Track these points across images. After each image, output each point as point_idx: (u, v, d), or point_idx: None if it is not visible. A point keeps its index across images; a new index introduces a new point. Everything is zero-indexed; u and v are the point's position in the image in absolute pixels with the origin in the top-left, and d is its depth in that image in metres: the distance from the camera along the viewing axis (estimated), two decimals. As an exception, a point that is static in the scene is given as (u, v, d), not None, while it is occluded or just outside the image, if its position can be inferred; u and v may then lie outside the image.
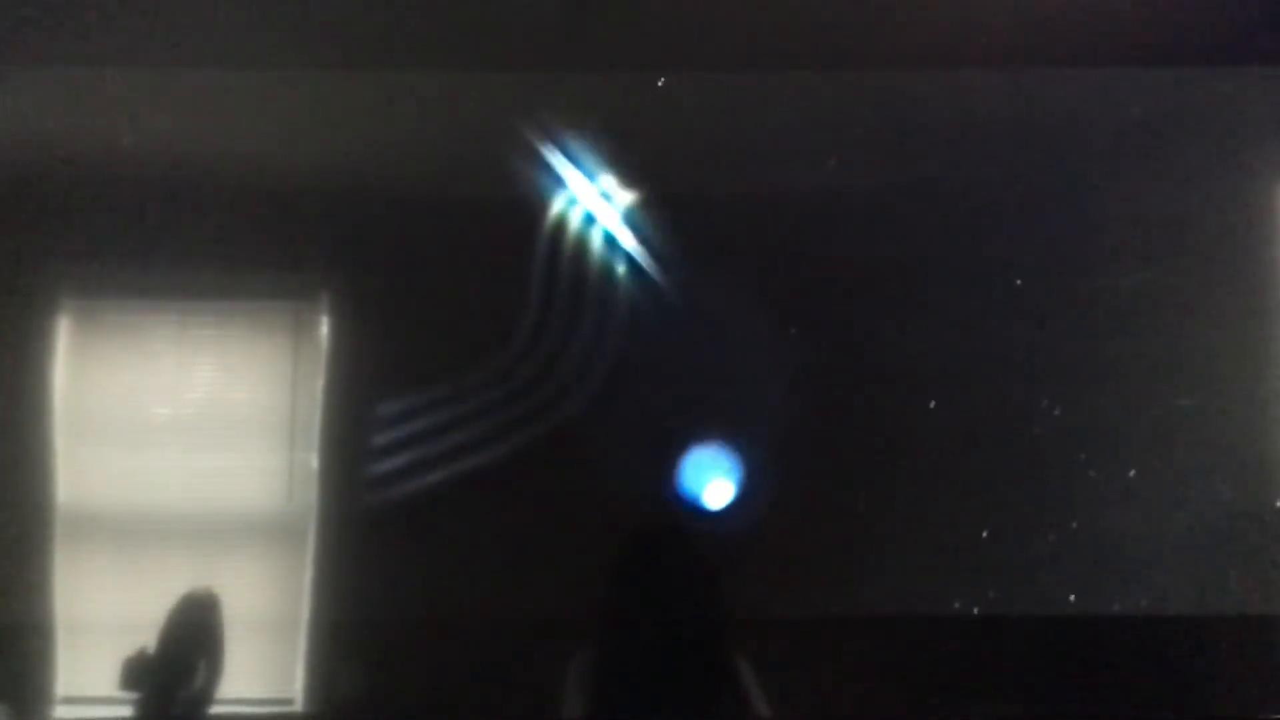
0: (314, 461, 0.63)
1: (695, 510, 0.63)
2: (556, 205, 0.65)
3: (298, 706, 0.61)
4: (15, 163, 0.65)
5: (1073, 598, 0.62)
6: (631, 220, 0.65)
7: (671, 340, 0.65)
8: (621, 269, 0.65)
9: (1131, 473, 0.63)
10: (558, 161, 0.66)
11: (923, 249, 0.66)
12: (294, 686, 0.61)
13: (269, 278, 0.65)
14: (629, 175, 0.66)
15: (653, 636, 0.62)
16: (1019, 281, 0.65)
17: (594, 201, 0.65)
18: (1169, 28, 0.68)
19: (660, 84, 0.66)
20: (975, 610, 0.62)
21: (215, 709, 0.61)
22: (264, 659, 0.62)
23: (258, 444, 0.63)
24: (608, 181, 0.66)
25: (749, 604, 0.63)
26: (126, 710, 0.61)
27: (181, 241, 0.64)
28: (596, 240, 0.65)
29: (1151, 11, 0.68)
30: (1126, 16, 0.68)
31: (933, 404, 0.64)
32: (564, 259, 0.65)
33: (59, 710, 0.61)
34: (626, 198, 0.65)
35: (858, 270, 0.65)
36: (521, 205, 0.65)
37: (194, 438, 0.63)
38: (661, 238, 0.65)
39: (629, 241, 0.65)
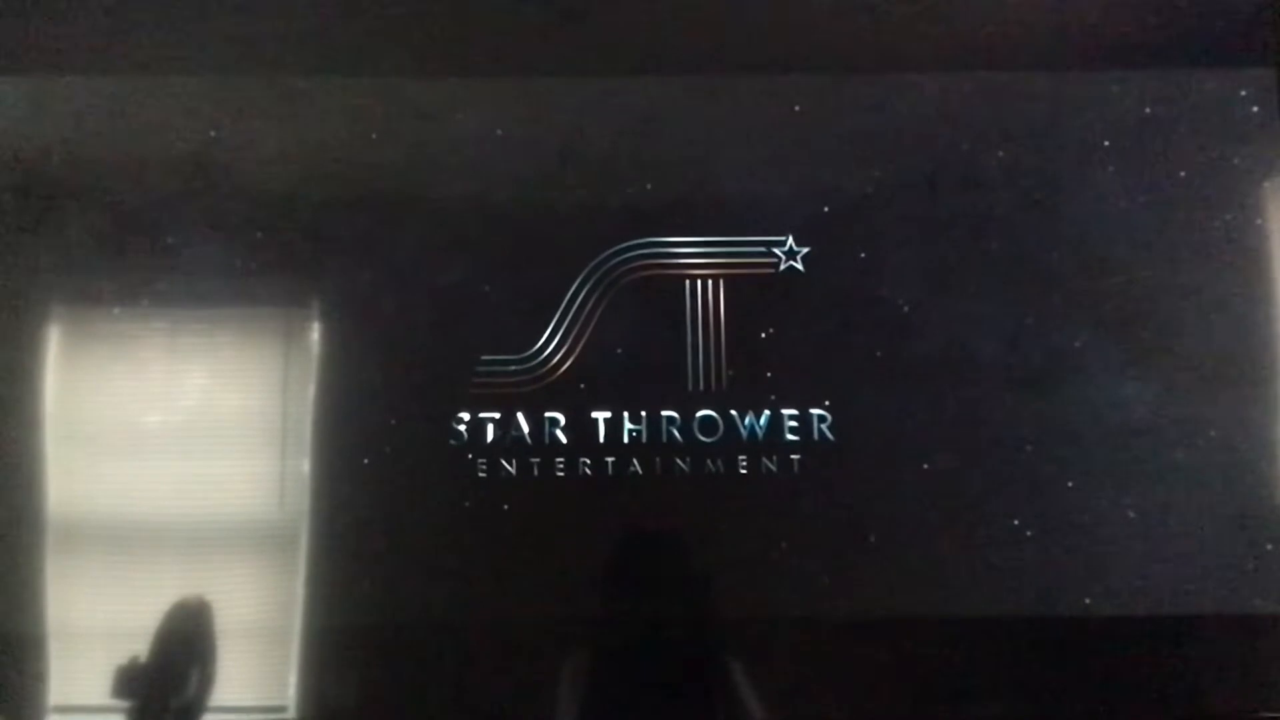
0: (306, 468, 0.63)
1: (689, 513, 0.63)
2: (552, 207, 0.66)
3: (290, 713, 0.61)
4: (5, 169, 0.65)
5: (1070, 598, 0.62)
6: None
7: (668, 342, 0.65)
8: (618, 271, 0.65)
9: (1130, 473, 0.63)
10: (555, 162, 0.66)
11: (918, 248, 0.65)
12: (287, 693, 0.61)
13: (260, 284, 0.65)
14: (615, 175, 0.66)
15: (646, 638, 0.62)
16: (1014, 281, 0.65)
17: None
18: (1158, 29, 0.68)
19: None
20: (971, 611, 0.62)
21: (208, 717, 0.61)
22: (257, 666, 0.62)
23: (250, 451, 0.63)
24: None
25: (742, 605, 0.62)
26: (119, 719, 0.61)
27: (172, 248, 0.65)
28: (592, 243, 0.65)
29: (1139, 13, 0.68)
30: (1115, 18, 0.68)
31: (929, 405, 0.64)
32: (560, 262, 0.65)
33: (52, 719, 0.61)
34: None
35: (852, 270, 0.65)
36: (513, 209, 0.66)
37: (186, 445, 0.63)
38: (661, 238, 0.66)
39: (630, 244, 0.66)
